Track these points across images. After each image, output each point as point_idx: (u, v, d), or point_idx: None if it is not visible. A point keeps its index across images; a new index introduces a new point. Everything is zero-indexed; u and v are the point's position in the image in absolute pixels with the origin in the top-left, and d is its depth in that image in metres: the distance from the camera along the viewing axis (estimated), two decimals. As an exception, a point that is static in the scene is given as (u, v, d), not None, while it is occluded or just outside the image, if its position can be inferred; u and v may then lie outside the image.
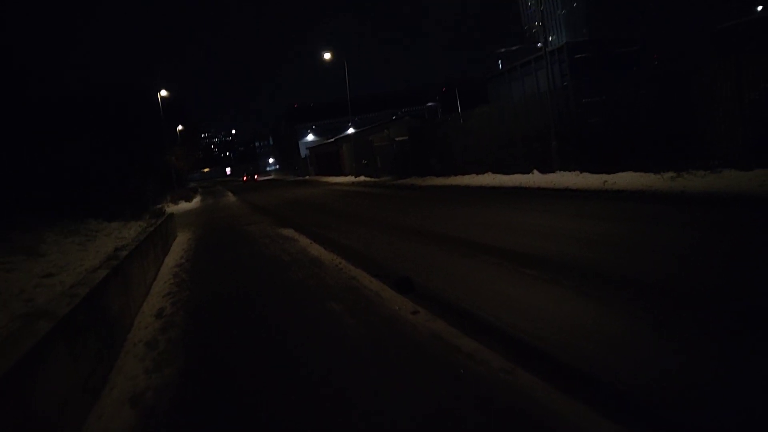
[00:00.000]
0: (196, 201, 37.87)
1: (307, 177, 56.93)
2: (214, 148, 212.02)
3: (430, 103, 69.88)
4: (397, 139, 33.47)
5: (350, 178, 37.58)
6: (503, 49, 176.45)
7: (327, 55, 36.64)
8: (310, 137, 74.45)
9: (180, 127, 59.47)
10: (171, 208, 31.89)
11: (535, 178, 15.86)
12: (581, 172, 14.81)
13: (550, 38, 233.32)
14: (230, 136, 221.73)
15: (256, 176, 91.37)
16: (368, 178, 34.25)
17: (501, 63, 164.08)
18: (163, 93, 39.25)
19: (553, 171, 15.93)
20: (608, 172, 13.81)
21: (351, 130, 63.70)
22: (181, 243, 14.08)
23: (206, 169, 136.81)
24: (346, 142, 41.13)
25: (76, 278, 5.90)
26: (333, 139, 47.81)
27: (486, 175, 19.49)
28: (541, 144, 16.78)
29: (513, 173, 18.02)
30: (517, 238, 8.35)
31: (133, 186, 30.26)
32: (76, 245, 8.19)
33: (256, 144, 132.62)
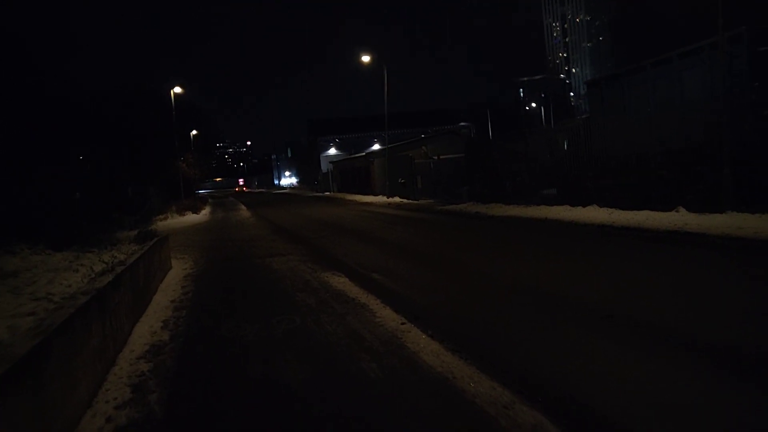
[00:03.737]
0: (205, 213, 33.20)
1: (328, 193, 52.19)
2: (229, 158, 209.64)
3: (462, 123, 65.25)
4: (443, 156, 28.74)
5: (382, 199, 32.76)
6: (526, 78, 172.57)
7: (366, 58, 32.06)
8: (332, 151, 69.88)
9: (194, 132, 55.48)
10: (175, 220, 27.24)
11: (693, 220, 10.86)
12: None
13: (573, 70, 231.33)
14: (245, 147, 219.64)
15: (245, 188, 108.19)
16: (405, 200, 29.41)
17: (522, 92, 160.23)
18: (177, 90, 34.85)
19: (719, 210, 10.93)
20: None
21: (377, 146, 59.17)
22: (172, 285, 9.23)
23: (219, 179, 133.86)
24: (379, 157, 36.45)
25: None
26: (364, 153, 43.18)
27: (590, 208, 14.52)
28: (688, 170, 11.86)
29: (636, 209, 13.04)
30: None
31: (132, 194, 25.70)
32: None
33: (273, 156, 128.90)
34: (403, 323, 5.66)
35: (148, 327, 6.38)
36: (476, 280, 7.85)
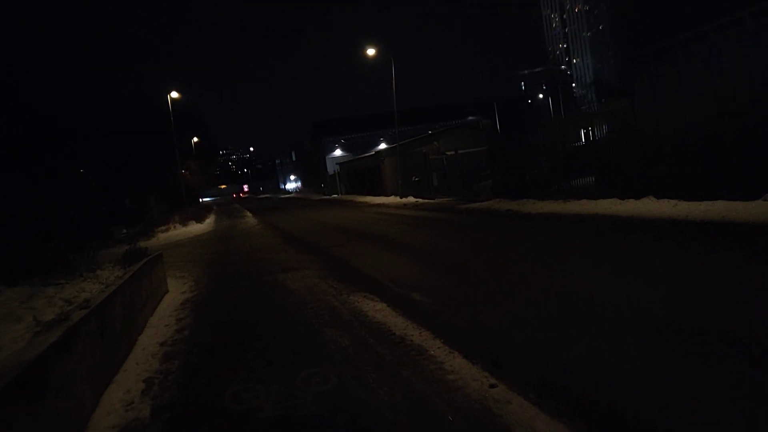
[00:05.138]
0: (209, 222, 31.45)
1: (336, 196, 50.42)
2: (232, 165, 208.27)
3: (471, 117, 63.34)
4: (460, 151, 26.95)
5: (395, 199, 30.94)
6: (526, 71, 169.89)
7: (371, 51, 30.25)
8: (338, 152, 68.06)
9: (195, 139, 54.01)
10: (177, 231, 25.53)
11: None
12: None
13: (575, 61, 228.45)
14: (248, 153, 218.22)
15: (242, 194, 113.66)
16: (420, 199, 27.56)
17: (524, 84, 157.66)
18: (174, 95, 33.17)
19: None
20: None
21: (383, 145, 57.32)
22: (165, 318, 7.46)
23: (223, 186, 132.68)
24: (390, 155, 34.63)
25: None
26: (373, 152, 41.34)
27: (646, 200, 12.59)
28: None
29: (703, 199, 11.11)
30: None
31: (131, 205, 24.04)
32: None
33: (277, 161, 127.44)
34: (492, 385, 3.82)
35: (123, 392, 4.58)
36: (560, 304, 6.01)
